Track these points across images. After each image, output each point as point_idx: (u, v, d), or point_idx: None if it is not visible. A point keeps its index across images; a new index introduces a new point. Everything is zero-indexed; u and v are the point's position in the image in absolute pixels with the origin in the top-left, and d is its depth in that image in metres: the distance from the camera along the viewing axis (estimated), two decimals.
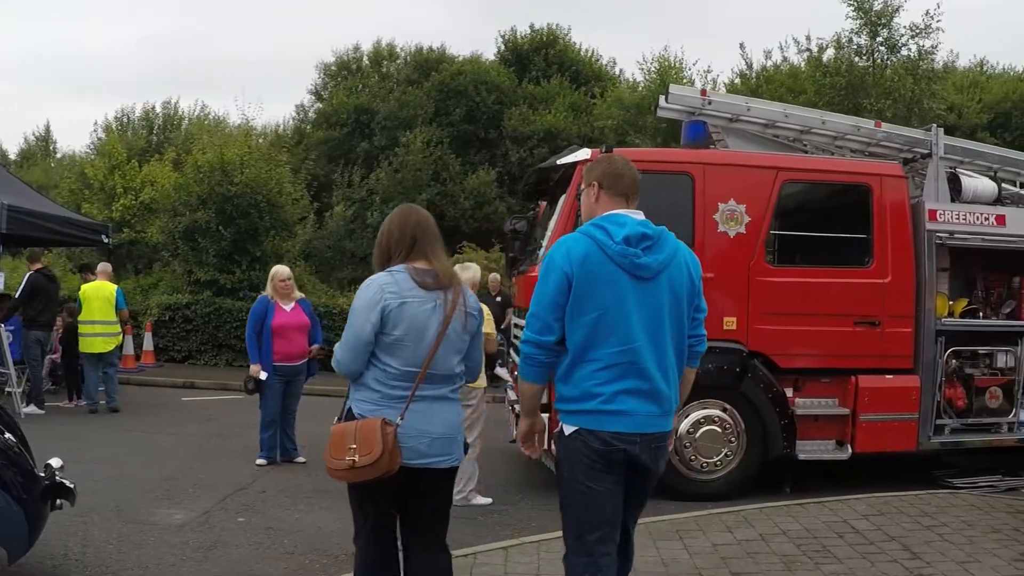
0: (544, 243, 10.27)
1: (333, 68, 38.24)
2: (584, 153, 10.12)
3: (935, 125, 11.81)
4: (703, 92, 11.10)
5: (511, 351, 11.38)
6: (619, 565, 4.73)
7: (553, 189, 10.92)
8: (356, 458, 4.57)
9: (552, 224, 10.31)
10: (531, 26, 36.84)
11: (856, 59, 24.67)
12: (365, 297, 4.78)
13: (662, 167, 10.37)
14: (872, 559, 7.45)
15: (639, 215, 4.70)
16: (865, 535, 8.20)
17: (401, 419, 4.67)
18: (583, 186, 4.93)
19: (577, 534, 4.57)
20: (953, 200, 11.18)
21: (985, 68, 39.01)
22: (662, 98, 11.24)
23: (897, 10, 24.36)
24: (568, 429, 4.56)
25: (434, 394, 4.81)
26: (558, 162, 10.62)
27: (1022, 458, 11.54)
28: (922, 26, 24.32)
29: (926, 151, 11.38)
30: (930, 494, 10.05)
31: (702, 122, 10.93)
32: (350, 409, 4.83)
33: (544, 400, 5.23)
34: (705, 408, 10.07)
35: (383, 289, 4.74)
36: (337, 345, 4.85)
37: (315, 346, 11.47)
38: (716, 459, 10.04)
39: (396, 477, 4.66)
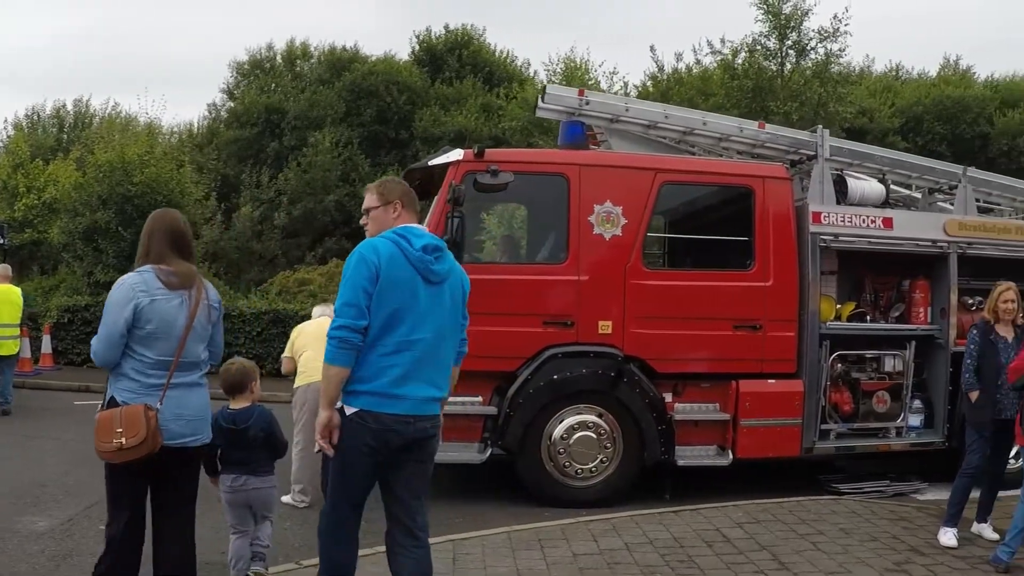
0: None
1: (246, 67, 37.92)
2: (457, 154, 10.04)
3: (820, 127, 11.77)
4: (580, 92, 10.99)
5: None
6: (407, 542, 5.34)
7: (432, 189, 10.74)
8: (124, 440, 5.14)
9: (425, 224, 10.12)
10: (446, 26, 36.86)
11: (765, 62, 24.86)
12: (118, 295, 5.32)
13: (537, 168, 10.39)
14: (737, 569, 7.42)
15: (426, 229, 5.52)
16: (735, 544, 8.15)
17: (160, 404, 5.28)
18: (378, 203, 5.50)
19: (335, 500, 5.32)
20: (839, 202, 11.16)
21: (900, 73, 39.62)
22: (539, 98, 11.14)
23: (806, 14, 24.60)
24: (349, 410, 5.14)
25: (186, 381, 5.47)
26: (430, 163, 10.50)
27: (911, 463, 11.62)
28: (831, 30, 24.54)
29: (812, 153, 11.36)
30: (812, 500, 10.03)
31: (580, 123, 10.81)
32: (112, 397, 5.34)
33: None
34: (580, 414, 9.97)
35: (134, 288, 5.32)
36: (94, 339, 5.37)
37: None
38: (591, 465, 9.94)
39: (156, 458, 5.25)
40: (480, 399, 9.99)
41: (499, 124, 30.32)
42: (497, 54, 37.12)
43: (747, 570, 7.40)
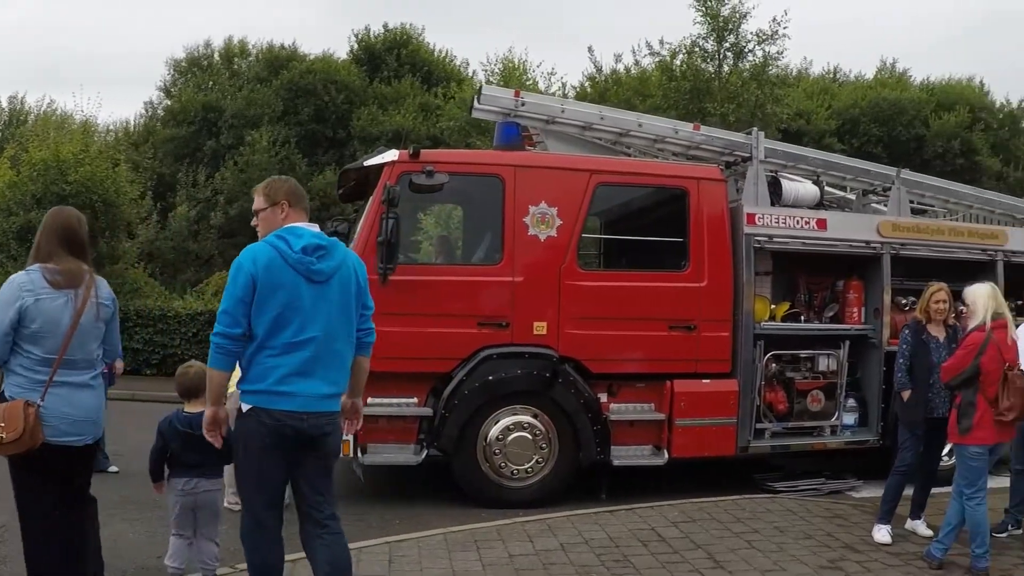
0: (352, 245, 10.06)
1: (184, 64, 37.69)
2: (392, 154, 10.04)
3: (755, 129, 11.94)
4: (516, 93, 11.05)
5: None
6: (316, 531, 5.52)
7: (368, 190, 10.76)
8: (3, 435, 5.33)
9: (360, 225, 10.21)
10: (385, 26, 36.82)
11: (703, 64, 25.07)
12: (6, 295, 5.52)
13: (472, 169, 10.45)
14: (672, 568, 7.49)
15: (315, 227, 5.65)
16: (670, 543, 8.23)
17: (42, 400, 5.45)
18: (266, 205, 5.68)
19: (251, 502, 5.46)
20: (773, 204, 11.31)
21: (837, 76, 40.13)
22: (475, 99, 11.18)
23: (744, 17, 24.87)
24: (245, 407, 5.38)
25: (76, 380, 5.65)
26: (365, 163, 10.50)
27: (847, 461, 11.77)
28: (769, 33, 24.83)
29: (747, 155, 11.50)
30: (747, 499, 10.16)
31: (515, 124, 10.87)
32: (2, 393, 5.54)
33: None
34: (515, 414, 10.02)
35: (20, 288, 5.53)
36: None
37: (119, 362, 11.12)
38: (527, 466, 9.99)
39: (42, 453, 5.46)
40: (415, 400, 10.01)
41: (437, 124, 30.38)
42: (436, 54, 37.18)
43: (682, 569, 7.47)
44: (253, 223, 5.81)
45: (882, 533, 8.52)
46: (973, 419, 7.56)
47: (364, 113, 31.80)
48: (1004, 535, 8.74)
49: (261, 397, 5.33)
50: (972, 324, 7.99)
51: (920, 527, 8.76)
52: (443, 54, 37.43)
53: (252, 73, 35.07)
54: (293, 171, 29.92)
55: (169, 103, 36.16)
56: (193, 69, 37.04)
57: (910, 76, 39.10)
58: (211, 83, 35.28)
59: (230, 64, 37.33)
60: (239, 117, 31.77)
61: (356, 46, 36.72)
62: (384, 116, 31.52)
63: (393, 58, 35.34)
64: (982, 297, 7.96)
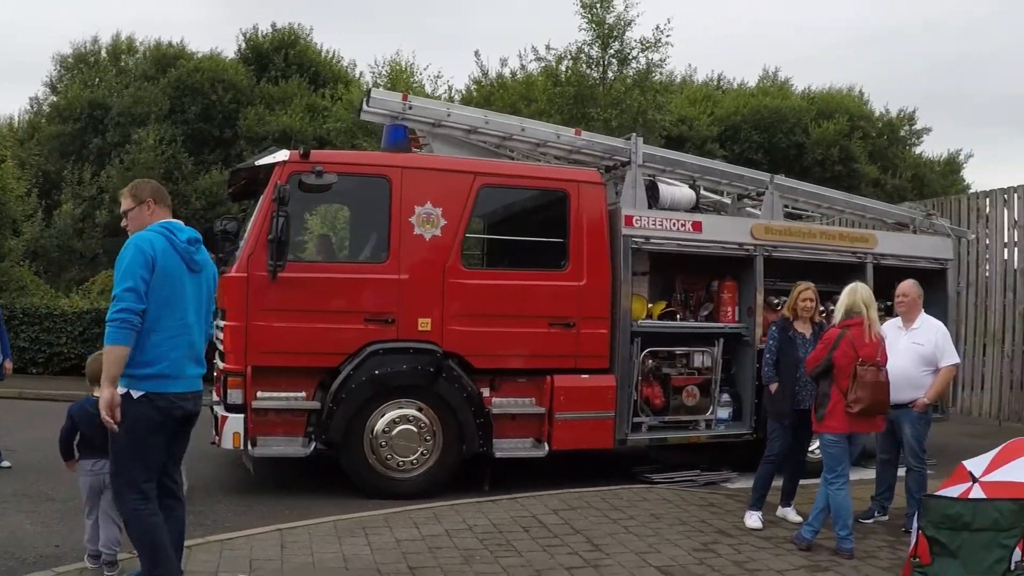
0: (242, 243, 10.44)
1: (70, 60, 37.15)
2: (283, 154, 10.38)
3: (634, 135, 12.52)
4: (404, 97, 11.43)
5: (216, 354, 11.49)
6: (172, 504, 6.15)
7: (258, 189, 11.07)
8: None
9: (250, 224, 10.53)
10: (273, 25, 36.62)
11: (587, 70, 25.50)
12: None
13: (360, 170, 10.82)
14: (552, 551, 7.97)
15: (181, 224, 6.23)
16: (551, 529, 8.73)
17: None
18: (133, 204, 6.23)
19: (133, 478, 5.82)
20: (651, 207, 11.89)
21: (721, 83, 41.05)
22: (364, 102, 11.52)
23: (629, 24, 25.27)
24: (136, 393, 5.76)
25: None
26: (256, 163, 10.84)
27: (724, 455, 12.41)
28: (652, 41, 25.32)
29: (626, 159, 12.04)
30: (625, 489, 10.72)
31: (402, 126, 11.25)
32: None
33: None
34: (400, 408, 10.40)
35: None
36: None
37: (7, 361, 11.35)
38: (412, 458, 10.38)
39: None
40: (304, 394, 10.32)
41: (324, 125, 30.37)
42: (323, 55, 37.14)
43: (562, 552, 7.96)
44: (123, 224, 6.32)
45: (753, 519, 9.12)
46: (827, 409, 8.25)
47: (251, 113, 31.65)
48: (870, 521, 9.41)
49: (156, 381, 5.82)
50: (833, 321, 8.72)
51: (790, 514, 9.38)
52: (330, 55, 37.38)
53: (139, 71, 34.60)
54: (179, 170, 29.79)
55: (55, 99, 35.68)
56: (80, 65, 36.49)
57: (792, 85, 40.12)
58: (98, 80, 34.77)
59: (117, 61, 36.86)
60: (126, 115, 31.42)
61: (244, 45, 36.45)
62: (271, 116, 31.40)
63: (281, 58, 35.16)
64: (841, 296, 8.67)
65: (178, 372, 5.93)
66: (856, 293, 8.57)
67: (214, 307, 6.63)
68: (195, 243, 6.14)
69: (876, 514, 9.55)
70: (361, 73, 36.75)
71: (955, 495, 6.72)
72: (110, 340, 5.68)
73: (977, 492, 6.60)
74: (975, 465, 6.96)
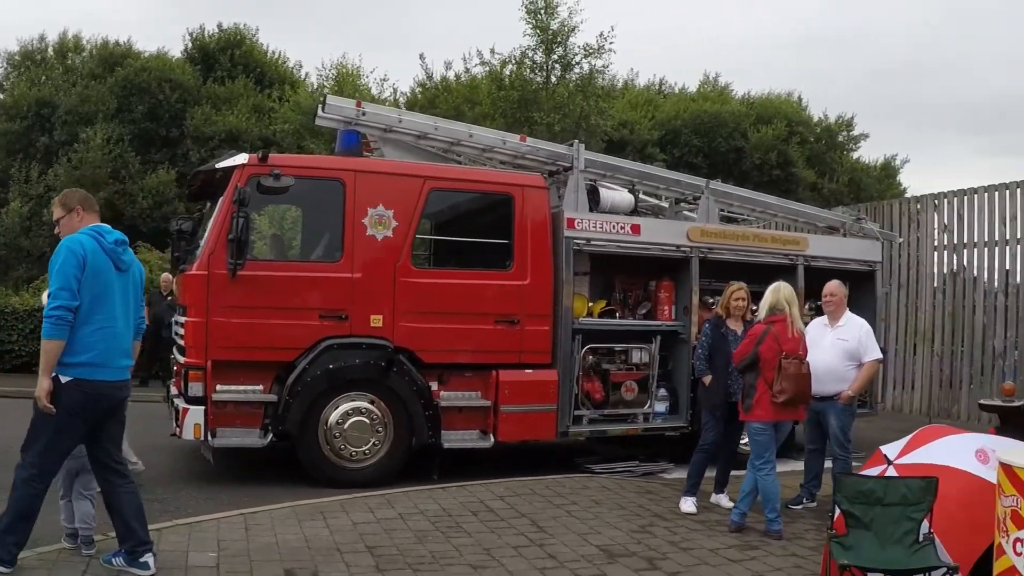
0: (203, 242, 10.90)
1: (17, 58, 36.92)
2: (242, 158, 10.85)
3: (577, 141, 13.07)
4: (358, 104, 11.93)
5: (174, 349, 11.91)
6: (119, 480, 6.86)
7: (217, 191, 11.47)
8: None
9: (210, 224, 10.97)
10: (219, 25, 36.64)
11: (531, 74, 26.09)
12: None
13: (315, 173, 11.32)
14: (500, 532, 8.60)
15: (109, 227, 6.91)
16: (498, 513, 9.36)
17: None
18: (63, 213, 6.91)
19: (49, 458, 6.58)
20: (592, 210, 12.50)
21: (662, 88, 41.67)
22: (319, 107, 11.98)
23: (573, 30, 25.88)
24: (65, 379, 6.46)
25: None
26: (217, 166, 11.28)
27: (662, 447, 13.07)
28: (596, 47, 25.97)
29: (568, 165, 12.61)
30: (567, 478, 11.39)
31: (356, 131, 11.75)
32: None
33: None
34: (353, 400, 10.91)
35: None
36: None
37: None
38: (365, 448, 10.89)
39: None
40: (261, 387, 10.77)
41: (270, 126, 30.58)
42: (269, 55, 37.21)
43: (509, 533, 8.59)
44: (56, 231, 6.99)
45: (688, 504, 9.79)
46: (753, 399, 8.96)
47: (198, 113, 31.71)
48: (799, 507, 10.09)
49: (85, 369, 6.51)
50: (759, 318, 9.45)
51: (723, 500, 10.04)
52: (276, 56, 37.50)
53: (86, 69, 34.39)
54: (126, 169, 29.80)
55: (1, 97, 35.54)
56: (27, 63, 36.35)
57: (732, 90, 40.85)
58: (44, 78, 34.66)
59: (64, 59, 36.70)
60: (73, 113, 31.32)
61: (190, 45, 36.42)
62: (218, 116, 31.48)
63: (227, 58, 35.10)
64: (765, 295, 9.39)
65: (105, 361, 6.61)
66: (779, 292, 9.27)
67: (143, 301, 7.40)
68: (121, 244, 6.84)
69: (805, 501, 10.19)
70: (307, 75, 36.98)
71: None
72: (47, 335, 6.45)
73: (891, 473, 7.23)
74: (890, 449, 7.58)
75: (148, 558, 6.78)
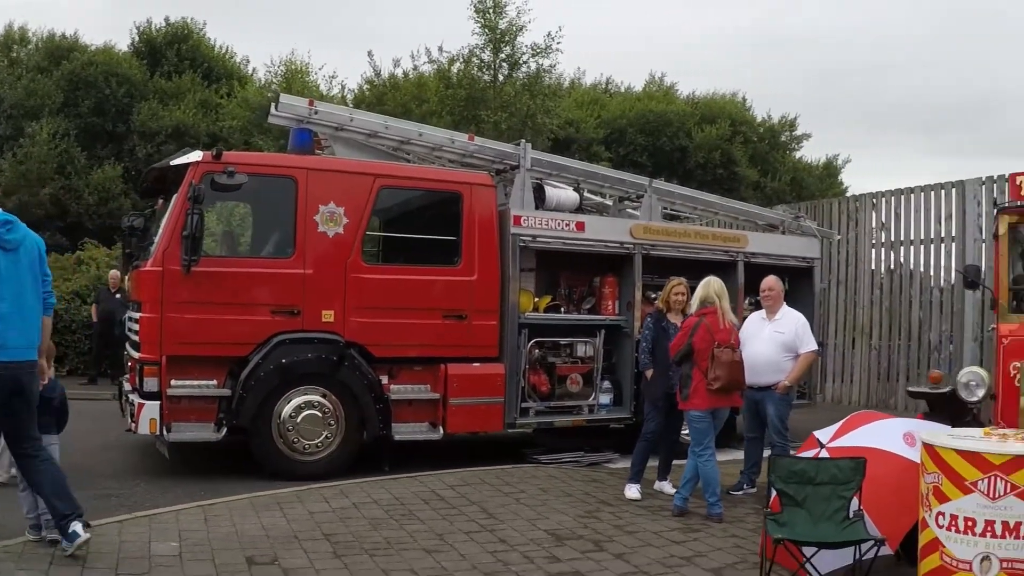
0: (157, 239, 11.09)
1: None
2: (196, 155, 11.04)
3: (524, 141, 13.41)
4: (311, 102, 12.15)
5: (128, 345, 12.12)
6: (32, 463, 7.06)
7: (169, 188, 11.69)
8: None
9: (165, 220, 11.19)
10: (166, 19, 36.08)
11: (478, 73, 26.35)
12: None
13: (269, 171, 11.57)
14: (451, 519, 8.94)
15: None
16: (449, 501, 9.71)
17: None
18: None
19: None
20: (538, 208, 12.84)
21: (609, 87, 42.00)
22: (272, 106, 12.18)
23: (521, 30, 26.15)
24: None
25: None
26: (172, 163, 11.46)
27: (603, 436, 13.41)
28: (543, 46, 26.33)
29: (515, 163, 12.93)
30: (516, 468, 11.80)
31: (308, 130, 11.97)
32: None
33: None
34: (306, 394, 11.14)
35: None
36: None
37: None
38: (317, 441, 11.11)
39: None
40: (215, 382, 10.96)
41: (217, 121, 30.43)
42: (216, 50, 36.87)
43: (460, 519, 8.94)
44: None
45: (632, 491, 10.20)
46: (690, 388, 9.39)
47: (145, 108, 31.25)
48: (740, 492, 10.52)
49: None
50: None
51: (666, 487, 10.45)
52: (224, 51, 37.19)
53: (32, 63, 33.76)
54: (72, 165, 29.41)
55: None
56: None
57: (677, 90, 41.19)
58: None
59: (9, 52, 36.13)
60: (18, 107, 30.90)
61: (137, 39, 35.85)
62: (165, 111, 31.16)
63: (174, 53, 34.57)
64: (697, 289, 9.85)
65: (1, 342, 6.77)
66: (709, 286, 9.74)
67: (48, 276, 7.45)
68: (4, 224, 6.96)
69: (745, 487, 10.61)
70: (255, 70, 36.79)
71: None
72: None
73: (824, 455, 7.68)
74: (823, 434, 8.00)
75: (76, 526, 6.96)
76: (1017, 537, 5.64)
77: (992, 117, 78.49)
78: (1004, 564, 5.65)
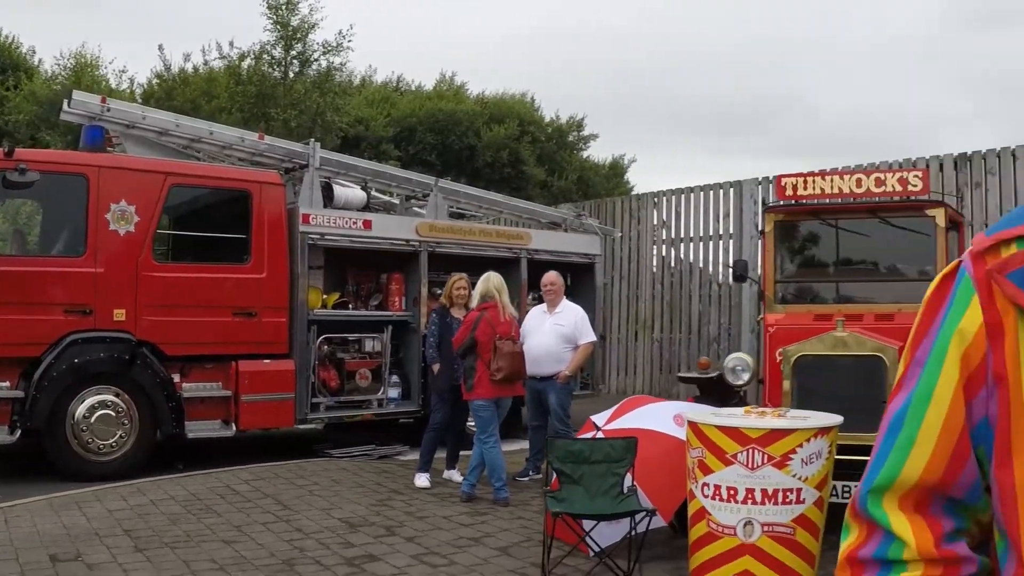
0: None
1: None
2: None
3: (313, 140, 13.79)
4: (103, 100, 12.16)
5: None
6: None
7: None
8: None
9: None
10: None
11: (269, 70, 26.27)
12: None
13: (61, 168, 11.50)
14: (248, 512, 9.24)
15: None
16: (244, 495, 10.01)
17: None
18: None
19: None
20: (326, 206, 13.18)
21: (400, 85, 42.12)
22: (65, 103, 12.12)
23: (313, 27, 26.11)
24: None
25: None
26: None
27: (393, 430, 13.99)
28: (334, 44, 26.37)
29: (304, 162, 13.25)
30: (309, 462, 12.14)
31: (100, 127, 11.96)
32: None
33: None
34: (100, 394, 11.17)
35: None
36: None
37: None
38: (112, 440, 11.14)
39: None
40: (8, 384, 10.84)
41: (3, 116, 29.51)
42: (1, 40, 35.64)
43: (256, 511, 9.25)
44: None
45: (422, 480, 10.69)
46: (474, 379, 9.92)
47: None
48: (526, 479, 11.09)
49: None
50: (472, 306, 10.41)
51: (454, 475, 10.96)
52: (9, 40, 35.88)
53: None
54: None
55: None
56: None
57: (467, 90, 41.50)
58: None
59: None
60: None
61: None
62: None
63: None
64: (477, 285, 10.42)
65: None
66: (489, 281, 10.31)
67: None
68: None
69: (531, 473, 11.18)
70: (41, 61, 35.67)
71: None
72: None
73: (600, 437, 8.30)
74: (599, 418, 8.59)
75: None
76: (775, 503, 6.20)
77: (777, 120, 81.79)
78: (765, 528, 6.21)
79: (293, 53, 26.21)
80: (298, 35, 25.96)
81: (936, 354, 1.42)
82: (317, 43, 26.33)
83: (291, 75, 26.28)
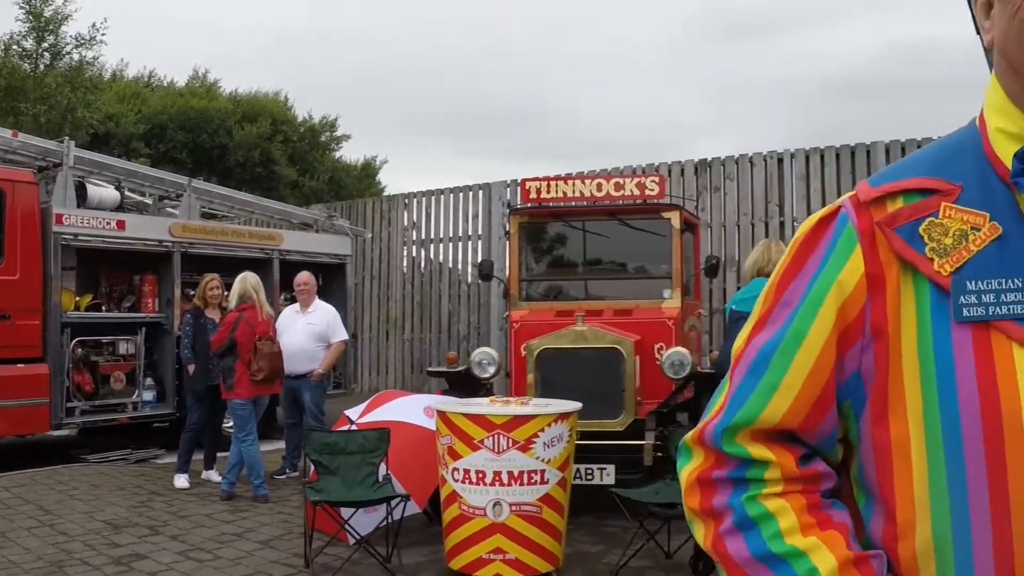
0: None
1: None
2: None
3: (67, 138, 13.58)
4: None
5: None
6: None
7: None
8: None
9: None
10: None
11: (19, 62, 25.40)
12: None
13: None
14: (10, 518, 9.16)
15: None
16: (5, 503, 9.88)
17: None
18: None
19: None
20: (80, 206, 13.00)
21: (151, 81, 41.20)
22: None
23: (66, 19, 25.47)
24: None
25: None
26: None
27: (150, 433, 13.89)
28: (87, 37, 25.77)
29: (58, 161, 13.05)
30: (66, 468, 12.02)
31: None
32: None
33: None
34: None
35: None
36: None
37: None
38: None
39: None
40: None
41: None
42: None
43: (20, 517, 9.17)
44: None
45: (181, 480, 10.76)
46: (234, 379, 10.08)
47: None
48: (283, 476, 11.27)
49: None
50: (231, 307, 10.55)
51: (213, 475, 11.03)
52: None
53: None
54: None
55: None
56: None
57: (220, 87, 40.96)
58: None
59: None
60: None
61: None
62: None
63: None
64: (234, 285, 10.54)
65: None
66: (246, 282, 10.45)
67: None
68: None
69: (288, 471, 11.37)
70: None
71: None
72: None
73: (354, 429, 8.62)
74: (353, 412, 8.87)
75: None
76: (521, 484, 6.67)
77: (531, 124, 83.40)
78: (513, 507, 6.68)
79: (45, 45, 25.45)
80: (51, 26, 25.26)
81: (811, 301, 1.42)
82: (70, 35, 25.68)
83: (42, 68, 25.47)
